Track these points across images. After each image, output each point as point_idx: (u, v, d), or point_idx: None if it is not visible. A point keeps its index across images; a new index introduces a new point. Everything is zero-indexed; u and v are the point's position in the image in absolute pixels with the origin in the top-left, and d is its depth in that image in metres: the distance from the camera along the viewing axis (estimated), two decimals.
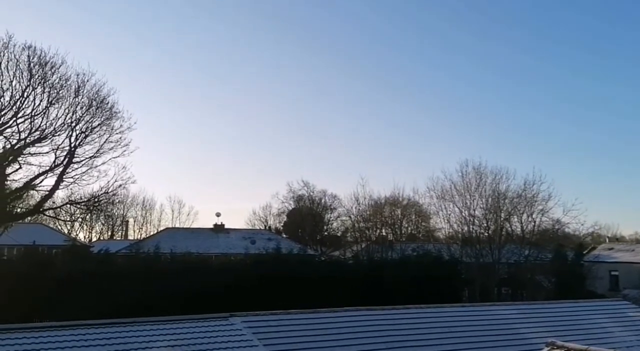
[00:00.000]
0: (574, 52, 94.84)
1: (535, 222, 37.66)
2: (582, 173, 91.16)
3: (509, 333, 13.10)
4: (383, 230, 47.08)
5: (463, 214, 37.84)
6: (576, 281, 35.70)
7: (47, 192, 29.13)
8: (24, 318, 16.15)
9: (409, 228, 55.47)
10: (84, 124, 28.51)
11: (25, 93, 26.95)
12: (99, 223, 65.05)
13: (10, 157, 27.41)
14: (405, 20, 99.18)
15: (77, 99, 28.38)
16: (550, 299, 29.55)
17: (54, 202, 31.96)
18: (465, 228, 38.11)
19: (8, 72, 26.55)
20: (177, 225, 65.45)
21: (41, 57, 27.44)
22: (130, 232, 68.92)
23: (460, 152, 62.66)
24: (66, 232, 53.54)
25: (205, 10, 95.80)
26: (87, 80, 28.69)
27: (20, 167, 28.00)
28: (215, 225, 46.14)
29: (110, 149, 29.23)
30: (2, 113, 26.67)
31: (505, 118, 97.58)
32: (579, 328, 14.02)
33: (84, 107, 28.54)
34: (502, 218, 37.84)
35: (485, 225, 37.69)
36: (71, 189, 29.88)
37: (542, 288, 37.31)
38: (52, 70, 27.77)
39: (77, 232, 61.20)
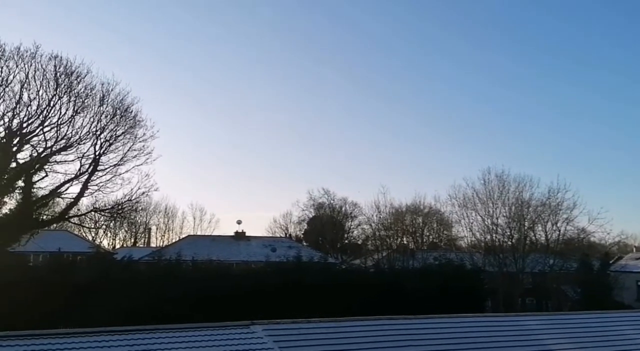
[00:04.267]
0: (597, 61, 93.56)
1: (560, 230, 37.16)
2: (608, 181, 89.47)
3: (533, 344, 12.83)
4: (404, 239, 46.89)
5: (486, 222, 37.48)
6: (602, 291, 34.99)
7: (72, 200, 29.66)
8: (48, 323, 16.38)
9: (431, 237, 55.12)
10: (109, 133, 29.02)
11: (52, 103, 27.51)
12: (123, 230, 65.82)
13: (37, 165, 27.94)
14: (429, 35, 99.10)
15: (101, 108, 28.94)
16: (576, 309, 29.03)
17: (78, 209, 32.58)
18: (488, 237, 37.70)
19: (35, 82, 27.18)
20: (199, 233, 66.04)
21: (67, 67, 28.07)
22: (153, 239, 69.71)
23: (482, 160, 62.13)
24: (90, 238, 54.28)
25: (227, 24, 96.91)
26: (112, 90, 29.28)
27: (47, 175, 28.59)
28: (236, 232, 46.36)
29: (134, 157, 29.74)
30: (29, 122, 27.25)
31: (529, 126, 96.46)
32: (606, 340, 13.67)
33: (109, 116, 29.06)
34: (525, 227, 37.33)
35: (508, 233, 37.22)
36: (95, 197, 30.39)
37: (567, 298, 36.67)
38: (78, 80, 28.36)
39: (101, 239, 62.11)
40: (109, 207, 31.05)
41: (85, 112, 28.51)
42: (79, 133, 28.33)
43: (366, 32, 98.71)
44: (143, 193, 30.42)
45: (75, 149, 28.56)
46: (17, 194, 27.95)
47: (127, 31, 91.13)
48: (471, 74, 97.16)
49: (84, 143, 28.56)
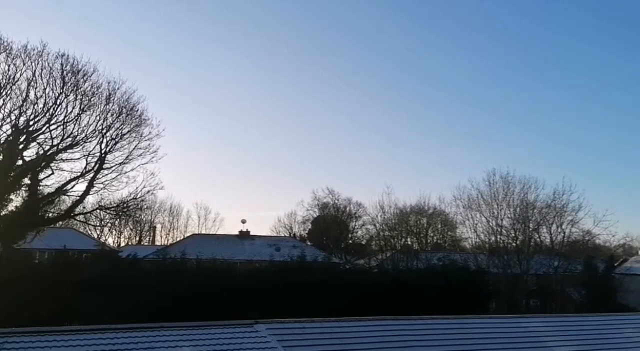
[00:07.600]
0: (605, 57, 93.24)
1: (564, 232, 37.04)
2: (613, 183, 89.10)
3: (537, 346, 12.81)
4: (408, 239, 46.72)
5: (490, 224, 37.40)
6: (607, 294, 34.88)
7: (78, 197, 29.80)
8: (53, 320, 16.46)
9: (435, 238, 54.92)
10: (114, 131, 29.14)
11: (58, 101, 27.63)
12: (128, 228, 66.14)
13: (43, 163, 28.07)
14: (435, 41, 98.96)
15: (107, 106, 29.04)
16: (580, 312, 28.93)
17: (84, 207, 32.74)
18: (493, 238, 37.61)
19: (42, 80, 27.31)
20: (203, 232, 66.14)
21: (74, 65, 28.19)
22: (158, 238, 69.90)
23: (487, 161, 61.91)
24: (96, 236, 54.43)
25: (230, 27, 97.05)
26: (118, 88, 29.39)
27: (53, 173, 28.70)
28: (241, 231, 46.43)
29: (139, 156, 29.85)
30: (36, 119, 27.39)
31: (534, 128, 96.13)
32: (610, 343, 13.64)
33: (115, 114, 29.17)
34: (530, 229, 37.22)
35: (513, 235, 37.15)
36: (101, 195, 30.52)
37: (571, 300, 36.56)
38: (84, 78, 28.47)
39: (106, 237, 62.34)
40: (114, 205, 31.18)
41: (91, 110, 28.68)
42: (85, 131, 28.50)
43: (372, 38, 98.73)
44: (148, 191, 30.57)
45: (81, 147, 28.73)
46: (23, 191, 28.13)
47: (130, 33, 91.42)
48: (480, 74, 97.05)
49: (89, 142, 28.74)
